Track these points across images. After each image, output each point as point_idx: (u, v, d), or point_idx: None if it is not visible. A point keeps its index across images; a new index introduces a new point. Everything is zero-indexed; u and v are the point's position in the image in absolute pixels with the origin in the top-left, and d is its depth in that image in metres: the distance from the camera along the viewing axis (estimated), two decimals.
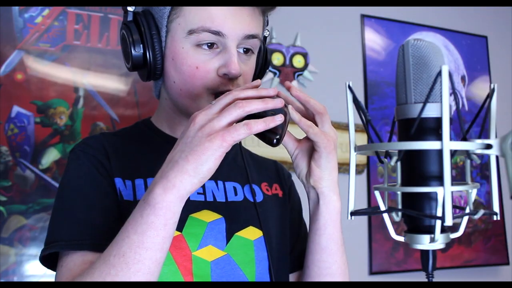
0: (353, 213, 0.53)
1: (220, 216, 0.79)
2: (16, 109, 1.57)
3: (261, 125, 0.60)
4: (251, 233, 0.80)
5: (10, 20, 1.59)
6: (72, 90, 1.65)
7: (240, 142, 0.88)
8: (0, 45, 1.57)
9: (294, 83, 1.99)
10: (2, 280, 1.48)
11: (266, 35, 0.84)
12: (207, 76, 0.74)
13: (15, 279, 1.50)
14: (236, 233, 0.79)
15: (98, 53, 1.70)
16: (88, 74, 1.68)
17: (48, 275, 1.49)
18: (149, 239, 0.59)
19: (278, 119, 0.61)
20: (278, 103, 0.63)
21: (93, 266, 0.62)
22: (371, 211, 0.54)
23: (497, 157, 0.49)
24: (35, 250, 1.53)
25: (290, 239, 0.89)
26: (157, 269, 0.61)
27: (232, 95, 0.63)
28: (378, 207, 0.52)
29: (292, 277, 0.88)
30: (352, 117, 0.55)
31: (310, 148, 0.74)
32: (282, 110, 0.65)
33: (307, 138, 0.73)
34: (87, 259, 0.68)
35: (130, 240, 0.59)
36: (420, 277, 1.52)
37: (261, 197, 0.86)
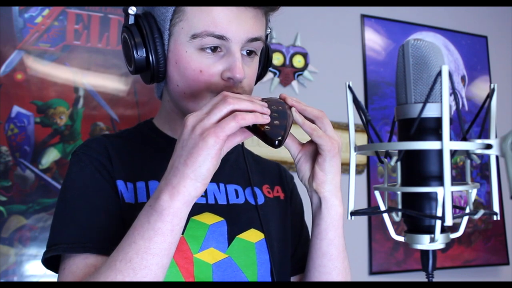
0: (353, 213, 0.53)
1: (221, 219, 0.78)
2: (16, 109, 1.58)
3: (250, 117, 0.60)
4: (253, 236, 0.80)
5: (10, 20, 1.59)
6: (72, 90, 1.65)
7: (242, 144, 0.87)
8: (0, 45, 1.57)
9: (294, 83, 2.00)
10: (2, 280, 1.48)
11: (268, 33, 0.84)
12: (211, 79, 0.74)
13: (15, 279, 1.50)
14: (238, 236, 0.79)
15: (98, 53, 1.70)
16: (88, 74, 1.68)
17: (48, 275, 1.49)
18: (156, 245, 0.59)
19: (266, 117, 0.62)
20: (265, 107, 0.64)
21: (98, 271, 0.62)
22: (371, 211, 0.54)
23: (497, 157, 0.49)
24: (35, 250, 1.53)
25: (291, 242, 0.88)
26: (162, 274, 0.61)
27: (223, 95, 0.63)
28: (378, 207, 0.52)
29: (293, 280, 0.88)
30: (352, 117, 0.55)
31: (314, 152, 0.74)
32: (286, 112, 0.65)
33: (310, 142, 0.73)
34: (90, 262, 0.68)
35: (136, 246, 0.59)
36: (420, 277, 1.52)
37: (262, 200, 0.85)
